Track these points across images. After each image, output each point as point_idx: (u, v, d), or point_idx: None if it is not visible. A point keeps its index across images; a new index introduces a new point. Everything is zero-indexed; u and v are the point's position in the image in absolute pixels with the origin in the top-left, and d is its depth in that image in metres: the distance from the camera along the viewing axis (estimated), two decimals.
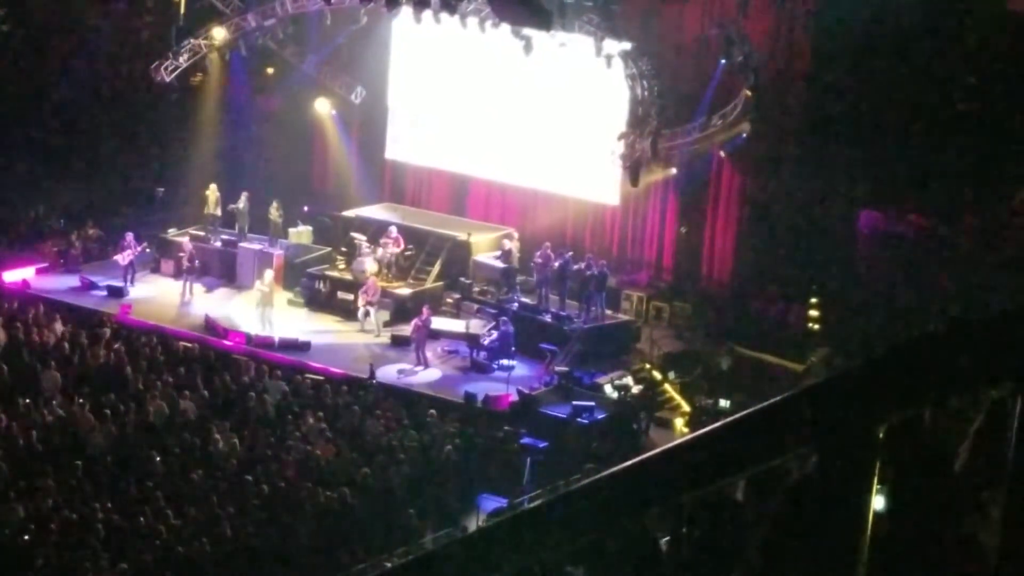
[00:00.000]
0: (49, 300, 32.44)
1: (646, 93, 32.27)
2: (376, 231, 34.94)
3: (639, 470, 3.64)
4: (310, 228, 36.87)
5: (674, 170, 34.39)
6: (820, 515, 3.41)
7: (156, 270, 35.58)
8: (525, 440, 26.22)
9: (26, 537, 21.28)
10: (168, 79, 35.51)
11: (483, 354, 30.51)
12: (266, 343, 30.67)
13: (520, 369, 30.06)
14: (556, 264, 32.75)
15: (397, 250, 34.17)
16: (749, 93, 32.17)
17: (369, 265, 33.51)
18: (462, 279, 34.04)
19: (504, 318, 31.08)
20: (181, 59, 35.56)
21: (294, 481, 23.68)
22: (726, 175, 34.60)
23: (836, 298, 32.15)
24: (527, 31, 31.91)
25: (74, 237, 36.34)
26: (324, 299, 33.68)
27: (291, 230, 36.45)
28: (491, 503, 24.18)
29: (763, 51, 32.81)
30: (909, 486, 3.56)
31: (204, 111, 39.17)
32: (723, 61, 32.96)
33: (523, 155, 35.91)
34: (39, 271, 34.65)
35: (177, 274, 34.44)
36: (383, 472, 24.35)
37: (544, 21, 30.19)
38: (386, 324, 32.27)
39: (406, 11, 33.31)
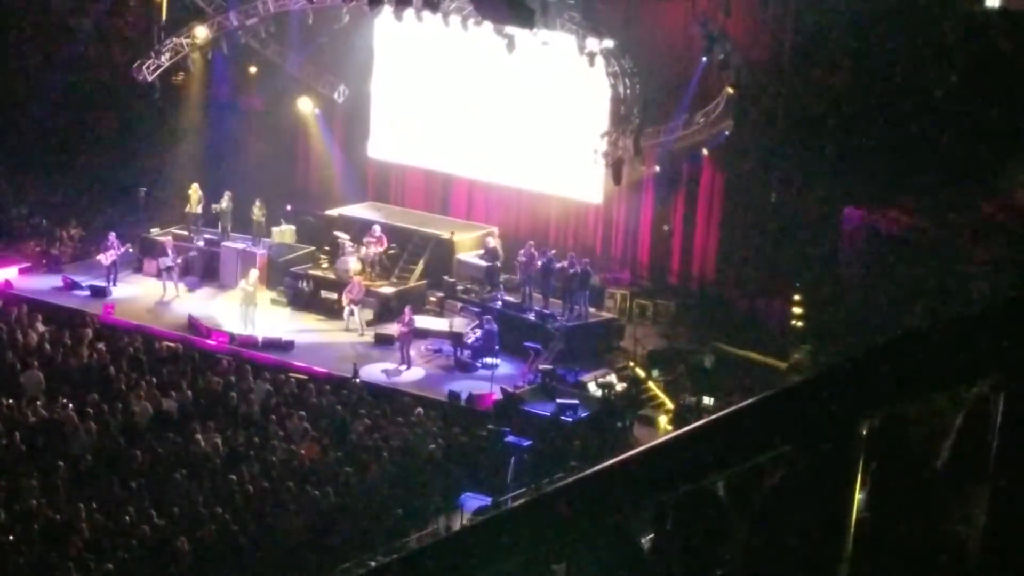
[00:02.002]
0: (32, 300, 32.38)
1: (628, 91, 32.30)
2: (359, 230, 34.92)
3: (623, 468, 3.64)
4: (293, 227, 36.83)
5: (657, 168, 34.43)
6: (803, 512, 3.41)
7: (139, 270, 35.51)
8: (509, 439, 26.21)
9: (10, 537, 21.22)
10: (150, 78, 35.40)
11: (467, 353, 30.52)
12: (249, 343, 30.65)
13: (504, 367, 30.08)
14: (539, 262, 32.74)
15: (380, 249, 34.15)
16: (731, 91, 32.23)
17: (352, 264, 33.50)
18: (445, 278, 34.03)
19: (488, 317, 31.08)
20: (163, 58, 35.46)
21: (278, 481, 23.65)
22: (709, 173, 34.63)
23: (819, 295, 32.20)
24: (509, 29, 31.89)
25: (60, 237, 36.26)
26: (307, 298, 33.65)
27: (274, 229, 36.41)
28: (475, 502, 24.19)
29: (745, 49, 32.86)
30: (892, 483, 3.57)
31: (186, 110, 39.10)
32: (705, 59, 33.01)
33: (506, 153, 35.90)
34: (22, 271, 34.58)
35: (159, 274, 34.37)
36: (367, 471, 24.34)
37: (526, 19, 30.18)
38: (369, 323, 32.27)
39: (388, 10, 33.26)
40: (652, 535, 4.24)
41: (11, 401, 25.99)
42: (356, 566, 20.51)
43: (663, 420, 29.37)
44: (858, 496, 3.37)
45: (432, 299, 33.71)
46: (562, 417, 26.98)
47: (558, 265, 32.59)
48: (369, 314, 32.51)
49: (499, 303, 32.68)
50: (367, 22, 36.67)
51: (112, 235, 34.15)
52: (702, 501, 4.07)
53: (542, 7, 30.53)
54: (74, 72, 38.71)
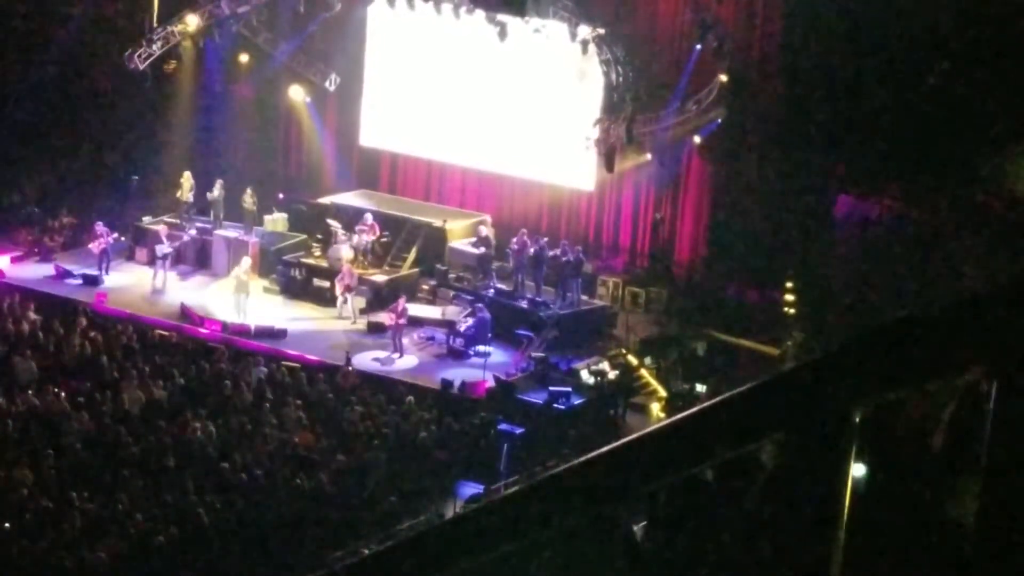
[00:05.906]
0: (24, 289, 32.33)
1: (621, 79, 32.27)
2: (351, 218, 34.87)
3: (616, 456, 3.64)
4: (285, 215, 36.76)
5: (649, 156, 34.38)
6: (797, 500, 3.41)
7: (131, 258, 35.46)
8: (502, 426, 26.22)
9: (6, 525, 21.21)
10: (141, 67, 35.32)
11: (459, 341, 30.49)
12: (242, 331, 30.62)
13: (496, 355, 30.03)
14: (532, 250, 32.71)
15: (373, 237, 34.11)
16: (724, 78, 32.20)
17: (345, 252, 33.46)
18: (438, 266, 33.99)
19: (480, 304, 31.07)
20: (154, 46, 35.37)
21: (271, 468, 23.64)
22: (701, 161, 34.60)
23: (812, 283, 32.19)
24: (501, 17, 31.86)
25: (52, 225, 36.17)
26: (300, 286, 33.62)
27: (266, 217, 36.35)
28: (468, 489, 24.20)
29: (738, 36, 32.84)
30: (885, 471, 3.57)
31: (178, 99, 39.00)
32: (698, 47, 32.96)
33: (499, 141, 35.85)
34: (14, 260, 34.52)
35: (154, 261, 34.32)
36: (360, 459, 24.34)
37: (518, 6, 30.17)
38: (362, 311, 32.24)
39: None
40: (644, 523, 4.24)
41: (3, 390, 25.95)
42: (348, 554, 20.51)
43: (656, 407, 29.39)
44: (851, 483, 3.37)
45: (425, 287, 33.69)
46: (555, 405, 27.00)
47: (550, 253, 32.57)
48: (361, 302, 32.49)
49: (492, 291, 32.66)
50: (359, 10, 36.62)
51: (99, 224, 34.09)
52: (694, 489, 4.07)
53: None
54: (66, 60, 38.58)
